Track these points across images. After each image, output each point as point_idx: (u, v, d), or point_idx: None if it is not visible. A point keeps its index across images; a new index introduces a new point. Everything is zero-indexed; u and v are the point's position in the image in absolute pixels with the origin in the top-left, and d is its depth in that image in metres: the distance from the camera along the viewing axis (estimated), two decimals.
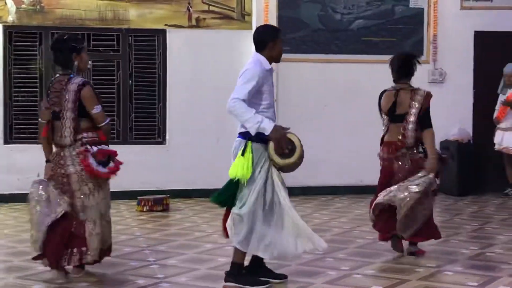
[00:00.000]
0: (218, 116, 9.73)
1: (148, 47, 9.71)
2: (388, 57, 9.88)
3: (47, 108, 5.36)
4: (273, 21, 9.74)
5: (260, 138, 5.05)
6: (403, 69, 6.23)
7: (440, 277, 5.44)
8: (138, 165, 9.45)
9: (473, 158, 9.97)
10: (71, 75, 5.30)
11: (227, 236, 5.16)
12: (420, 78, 10.00)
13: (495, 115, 9.72)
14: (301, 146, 5.19)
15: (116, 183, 5.91)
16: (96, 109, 5.32)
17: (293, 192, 9.79)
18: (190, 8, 9.71)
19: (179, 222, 7.93)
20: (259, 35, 5.34)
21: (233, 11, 9.83)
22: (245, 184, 5.05)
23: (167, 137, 9.72)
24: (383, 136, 6.30)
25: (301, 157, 5.20)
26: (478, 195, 9.86)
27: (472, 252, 6.27)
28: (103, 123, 5.38)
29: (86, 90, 5.26)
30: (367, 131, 9.93)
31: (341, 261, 5.97)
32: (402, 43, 10.17)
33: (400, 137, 6.02)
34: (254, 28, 9.77)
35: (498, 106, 9.70)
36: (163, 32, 9.70)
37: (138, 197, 8.75)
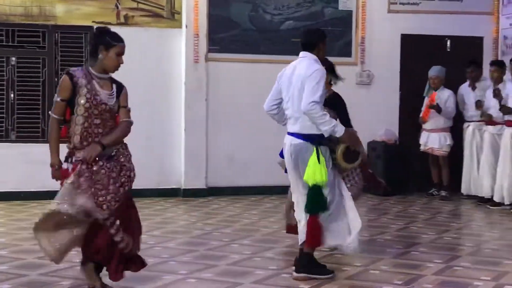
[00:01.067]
0: (146, 115, 9.61)
1: (75, 44, 9.52)
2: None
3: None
4: (203, 20, 9.71)
5: (323, 140, 5.29)
6: None
7: (366, 276, 5.51)
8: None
9: (399, 158, 10.15)
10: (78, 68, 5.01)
11: (317, 244, 5.40)
12: (348, 80, 10.16)
13: (421, 114, 9.94)
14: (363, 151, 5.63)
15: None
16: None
17: (224, 192, 9.89)
18: (118, 5, 9.57)
19: None
20: (312, 35, 5.60)
21: (163, 9, 9.74)
22: (324, 187, 5.26)
23: None
24: None
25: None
26: (404, 195, 10.04)
27: (398, 251, 6.38)
28: None
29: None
30: None
31: (270, 260, 5.98)
32: (331, 44, 10.23)
33: None
34: (184, 26, 9.78)
35: (424, 108, 9.92)
36: (90, 29, 9.52)
37: None
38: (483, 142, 9.41)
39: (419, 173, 10.34)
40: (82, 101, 4.80)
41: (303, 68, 5.35)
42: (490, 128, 9.27)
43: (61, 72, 9.44)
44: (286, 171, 5.66)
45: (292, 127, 5.42)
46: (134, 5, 9.64)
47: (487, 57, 10.47)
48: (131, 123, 5.12)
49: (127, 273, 5.44)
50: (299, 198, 5.45)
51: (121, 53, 5.08)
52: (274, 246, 6.60)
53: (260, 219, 8.06)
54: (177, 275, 5.42)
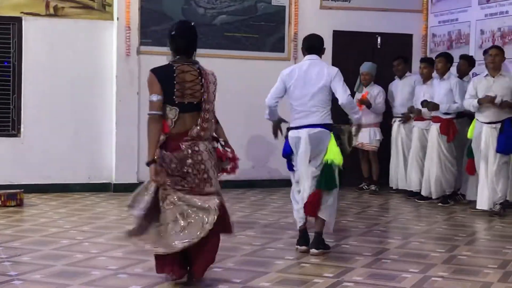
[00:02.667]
0: (75, 108, 9.48)
1: (2, 35, 9.27)
2: (251, 53, 10.21)
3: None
4: (135, 13, 9.60)
5: (334, 128, 6.20)
6: None
7: (297, 269, 5.56)
8: None
9: None
10: (197, 65, 5.00)
11: (311, 213, 6.08)
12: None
13: None
14: None
15: None
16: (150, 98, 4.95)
17: None
18: None
19: (34, 217, 7.64)
20: (320, 40, 6.37)
21: (94, 1, 9.56)
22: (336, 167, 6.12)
23: (21, 129, 9.32)
24: None
25: None
26: None
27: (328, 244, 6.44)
28: None
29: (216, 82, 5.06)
30: (226, 127, 10.03)
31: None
32: (264, 39, 10.31)
33: None
34: (115, 19, 9.64)
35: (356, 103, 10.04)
36: (18, 20, 9.29)
37: None
38: (412, 137, 9.61)
39: (349, 167, 10.44)
40: None
41: (324, 68, 6.18)
42: (419, 123, 9.47)
43: None
44: (289, 168, 6.31)
45: (307, 119, 6.12)
46: None
47: (416, 54, 10.71)
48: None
49: (56, 269, 5.36)
50: (309, 182, 6.06)
51: None
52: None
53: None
54: (107, 270, 5.34)
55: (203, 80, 4.93)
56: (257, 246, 6.35)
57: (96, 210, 8.26)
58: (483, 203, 8.31)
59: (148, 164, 4.81)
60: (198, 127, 4.89)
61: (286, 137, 6.29)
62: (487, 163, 8.28)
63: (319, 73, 6.11)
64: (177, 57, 5.01)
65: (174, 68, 4.93)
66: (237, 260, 5.78)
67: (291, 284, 5.08)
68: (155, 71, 4.94)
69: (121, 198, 9.06)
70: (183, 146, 4.86)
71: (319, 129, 6.08)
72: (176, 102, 4.85)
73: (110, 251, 6.05)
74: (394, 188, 10.01)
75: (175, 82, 4.86)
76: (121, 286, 4.89)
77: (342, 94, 6.08)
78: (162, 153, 4.84)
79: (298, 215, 6.21)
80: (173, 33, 5.06)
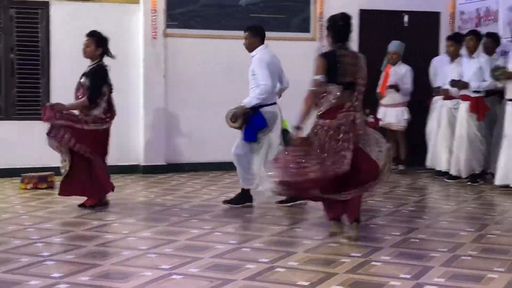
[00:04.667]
0: None
1: (31, 20, 9.36)
2: (276, 34, 10.18)
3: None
4: None
5: None
6: None
7: (324, 250, 5.56)
8: (22, 142, 9.21)
9: None
10: (351, 49, 6.01)
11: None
12: (306, 56, 10.24)
13: (378, 89, 10.04)
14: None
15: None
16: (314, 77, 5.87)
17: (183, 168, 9.88)
18: None
19: (64, 199, 7.73)
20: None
21: None
22: None
23: None
24: None
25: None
26: None
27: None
28: None
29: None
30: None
31: (230, 235, 6.02)
32: (290, 20, 10.28)
33: None
34: (141, 2, 9.66)
35: (381, 82, 10.01)
36: (46, 5, 9.38)
37: (21, 175, 8.47)
38: (441, 116, 9.53)
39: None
40: None
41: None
42: (447, 102, 9.39)
43: (17, 48, 9.29)
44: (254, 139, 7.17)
45: (275, 98, 7.36)
46: None
47: (444, 33, 10.59)
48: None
49: (87, 249, 5.45)
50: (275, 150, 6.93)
51: None
52: (233, 220, 6.64)
53: (220, 195, 8.08)
54: (137, 250, 5.42)
55: (357, 62, 5.86)
56: (284, 226, 6.38)
57: (125, 191, 8.35)
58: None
59: (297, 128, 5.78)
60: (353, 101, 5.79)
61: (255, 114, 7.10)
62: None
63: (279, 60, 7.45)
64: (338, 43, 5.89)
65: (337, 53, 5.84)
66: (265, 240, 5.82)
67: (318, 264, 5.11)
68: (325, 55, 5.86)
69: (150, 180, 9.16)
70: (340, 115, 5.74)
71: (277, 106, 7.33)
72: (339, 81, 5.74)
73: (139, 231, 6.13)
74: (430, 168, 9.88)
75: (338, 65, 5.78)
76: (151, 266, 4.96)
77: (286, 78, 7.64)
78: (320, 122, 5.79)
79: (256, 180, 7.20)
80: (340, 23, 5.93)
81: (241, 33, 9.94)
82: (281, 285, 4.55)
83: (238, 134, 7.30)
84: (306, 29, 10.31)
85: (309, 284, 4.55)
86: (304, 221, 6.62)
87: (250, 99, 7.18)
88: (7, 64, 9.28)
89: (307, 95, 5.85)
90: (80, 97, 7.08)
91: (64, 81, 9.45)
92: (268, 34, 10.05)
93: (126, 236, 5.94)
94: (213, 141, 9.88)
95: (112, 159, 9.61)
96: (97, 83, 7.10)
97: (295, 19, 10.30)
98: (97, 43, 7.21)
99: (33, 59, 9.41)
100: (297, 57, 9.76)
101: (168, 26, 9.72)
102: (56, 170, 8.88)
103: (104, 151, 7.24)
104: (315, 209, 6.98)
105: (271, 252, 5.40)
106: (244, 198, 7.29)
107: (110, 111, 7.23)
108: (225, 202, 7.35)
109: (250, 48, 7.40)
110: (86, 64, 9.46)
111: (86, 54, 7.22)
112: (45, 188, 8.35)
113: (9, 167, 8.99)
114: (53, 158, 9.20)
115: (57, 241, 5.75)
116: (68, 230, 6.16)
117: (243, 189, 7.31)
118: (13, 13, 9.26)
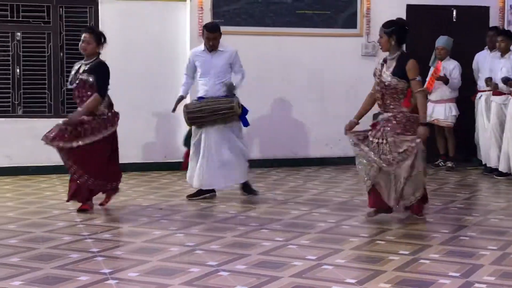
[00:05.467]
0: (150, 89, 9.65)
1: (80, 19, 9.50)
2: (322, 30, 10.15)
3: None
4: None
5: None
6: None
7: (372, 246, 5.52)
8: None
9: None
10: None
11: None
12: (353, 52, 10.21)
13: (425, 85, 9.91)
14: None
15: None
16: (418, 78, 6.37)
17: None
18: None
19: (114, 196, 7.84)
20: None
21: None
22: None
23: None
24: None
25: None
26: None
27: (403, 222, 6.39)
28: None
29: (409, 63, 6.33)
30: (301, 104, 10.04)
31: (277, 232, 6.01)
32: (336, 16, 10.23)
33: None
34: (188, 0, 9.72)
35: (428, 78, 9.88)
36: (95, 4, 9.51)
37: None
38: (490, 112, 9.38)
39: (425, 144, 10.29)
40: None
41: None
42: (496, 98, 9.23)
43: (66, 47, 9.44)
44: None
45: None
46: None
47: None
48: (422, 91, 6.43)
49: (135, 246, 5.51)
50: None
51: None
52: (280, 218, 6.63)
53: (265, 192, 8.09)
54: (184, 247, 5.46)
55: None
56: (331, 223, 6.36)
57: (173, 188, 8.42)
58: None
59: (425, 124, 6.32)
60: None
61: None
62: None
63: None
64: (403, 46, 6.58)
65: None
66: (312, 237, 5.81)
67: (366, 262, 5.07)
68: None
69: None
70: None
71: None
72: None
73: (187, 228, 6.18)
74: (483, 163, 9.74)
75: None
76: (198, 262, 4.99)
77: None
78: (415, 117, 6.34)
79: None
80: (407, 28, 6.50)
81: (287, 29, 10.04)
82: (328, 282, 4.53)
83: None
84: (353, 25, 10.24)
85: (357, 281, 4.52)
86: (351, 218, 6.58)
87: (240, 83, 7.58)
88: (56, 63, 9.43)
89: (423, 94, 6.38)
90: (89, 94, 6.86)
91: (112, 79, 9.55)
92: (313, 30, 10.12)
93: (174, 232, 5.99)
94: (259, 138, 9.90)
95: (159, 156, 9.76)
96: (105, 78, 6.99)
97: (342, 14, 10.23)
98: (98, 41, 7.03)
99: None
100: (344, 53, 9.72)
101: None
102: None
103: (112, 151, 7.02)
104: (362, 206, 6.94)
105: (318, 249, 5.39)
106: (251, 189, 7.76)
107: (111, 108, 7.09)
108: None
109: (217, 45, 7.57)
110: (134, 62, 9.63)
111: (87, 51, 6.99)
112: None
113: (59, 164, 9.09)
114: None
115: (106, 237, 5.83)
116: (117, 226, 6.24)
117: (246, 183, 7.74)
118: (62, 12, 9.41)
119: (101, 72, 6.95)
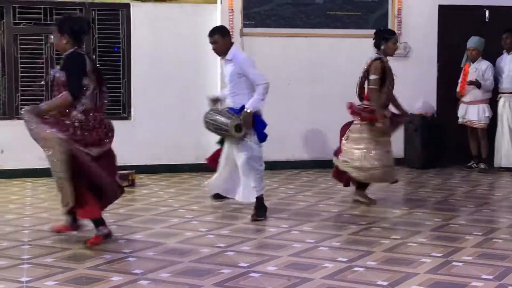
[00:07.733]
0: (181, 91, 9.71)
1: (112, 22, 9.59)
2: (353, 31, 10.11)
3: None
4: None
5: None
6: None
7: (404, 249, 5.50)
8: None
9: (437, 131, 10.07)
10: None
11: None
12: None
13: (458, 89, 9.85)
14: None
15: None
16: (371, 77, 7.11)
17: None
18: None
19: (145, 197, 7.91)
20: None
21: None
22: None
23: (132, 112, 9.65)
24: None
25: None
26: (442, 168, 9.97)
27: (436, 224, 6.36)
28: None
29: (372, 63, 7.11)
30: (331, 105, 10.00)
31: (307, 233, 6.01)
32: (367, 17, 10.19)
33: None
34: (219, 2, 9.76)
35: (460, 81, 9.81)
36: (127, 6, 9.58)
37: None
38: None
39: (457, 145, 10.24)
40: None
41: None
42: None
43: (99, 49, 9.53)
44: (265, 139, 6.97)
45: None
46: None
47: None
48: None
49: (167, 246, 5.54)
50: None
51: (396, 42, 7.47)
52: (311, 219, 6.62)
53: (296, 194, 8.08)
54: (216, 248, 5.48)
55: None
56: (362, 225, 6.33)
57: (204, 189, 8.44)
58: None
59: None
60: None
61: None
62: None
63: None
64: None
65: None
66: (343, 239, 5.80)
67: (398, 264, 5.05)
68: None
69: None
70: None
71: None
72: None
73: (218, 229, 6.20)
74: (496, 166, 9.70)
75: None
76: (229, 263, 5.01)
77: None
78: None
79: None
80: None
81: (318, 31, 10.01)
82: (359, 284, 4.52)
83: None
84: (384, 26, 10.15)
85: (388, 284, 4.50)
86: (382, 220, 6.55)
87: (254, 103, 6.52)
88: None
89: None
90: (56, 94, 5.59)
91: (144, 81, 9.67)
92: (344, 31, 10.09)
93: (205, 234, 6.02)
94: (290, 139, 9.90)
95: (191, 157, 9.80)
96: (77, 73, 5.50)
97: (373, 15, 10.19)
98: (62, 33, 5.57)
99: (114, 59, 9.64)
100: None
101: (244, 25, 9.78)
102: (136, 168, 9.10)
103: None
104: (393, 208, 6.90)
105: (349, 251, 5.37)
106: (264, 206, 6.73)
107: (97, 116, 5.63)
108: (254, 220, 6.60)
109: (225, 50, 6.63)
110: (165, 64, 9.70)
111: (60, 49, 5.77)
112: (126, 186, 8.50)
113: None
114: (133, 158, 9.47)
115: (138, 238, 5.87)
116: (148, 228, 6.29)
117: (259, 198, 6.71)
118: (95, 14, 9.50)
119: (71, 65, 5.53)
